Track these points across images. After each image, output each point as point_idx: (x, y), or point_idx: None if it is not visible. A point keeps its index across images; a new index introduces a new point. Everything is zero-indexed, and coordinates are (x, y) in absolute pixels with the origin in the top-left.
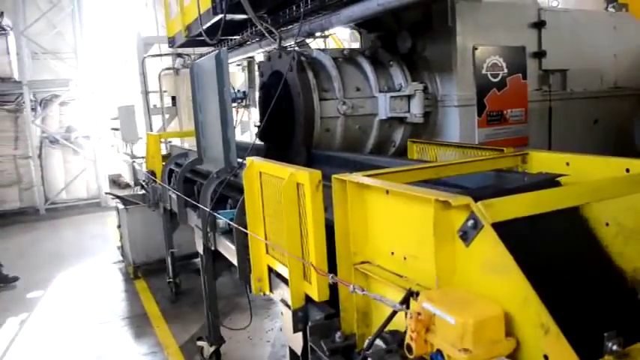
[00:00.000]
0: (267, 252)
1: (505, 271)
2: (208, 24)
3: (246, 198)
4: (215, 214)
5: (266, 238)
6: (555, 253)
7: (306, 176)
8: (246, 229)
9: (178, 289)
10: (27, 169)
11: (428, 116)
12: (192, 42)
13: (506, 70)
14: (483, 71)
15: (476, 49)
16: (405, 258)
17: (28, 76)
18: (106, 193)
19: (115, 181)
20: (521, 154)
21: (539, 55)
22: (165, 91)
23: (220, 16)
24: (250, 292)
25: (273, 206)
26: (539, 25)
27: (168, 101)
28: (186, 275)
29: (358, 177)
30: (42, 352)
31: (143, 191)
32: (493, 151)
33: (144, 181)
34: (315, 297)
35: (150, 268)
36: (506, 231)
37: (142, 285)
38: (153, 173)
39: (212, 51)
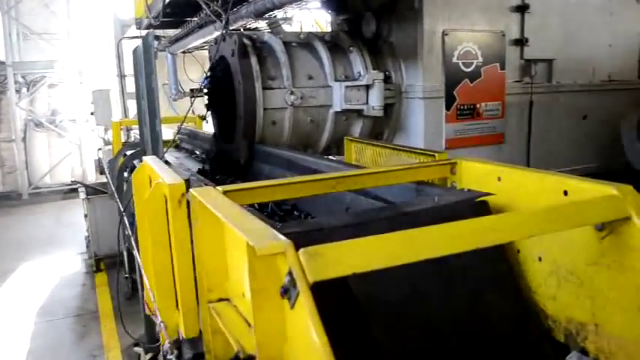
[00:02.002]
0: None
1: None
2: (161, 5)
3: (136, 210)
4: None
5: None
6: (453, 303)
7: (165, 187)
8: None
9: (135, 285)
10: (10, 153)
11: (391, 109)
12: (160, 23)
13: (481, 59)
14: (454, 60)
15: (446, 34)
16: None
17: (16, 57)
18: (72, 182)
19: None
20: (449, 163)
21: (521, 42)
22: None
23: None
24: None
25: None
26: (521, 8)
27: None
28: None
29: (211, 192)
30: None
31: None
32: (428, 157)
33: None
34: (183, 332)
35: (114, 261)
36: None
37: (101, 279)
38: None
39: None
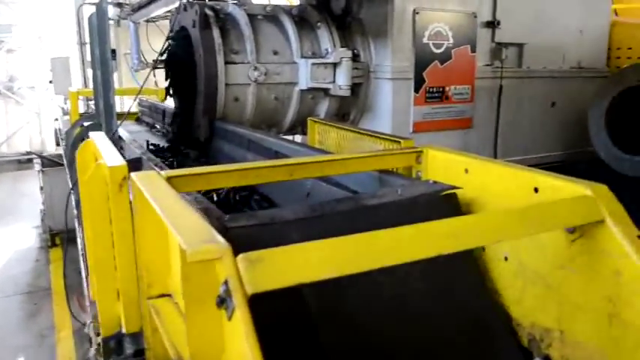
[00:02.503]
0: None
1: None
2: None
3: (80, 190)
4: None
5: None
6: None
7: (106, 169)
8: None
9: None
10: None
11: (359, 88)
12: None
13: (451, 41)
14: (424, 40)
15: (417, 13)
16: None
17: None
18: (27, 152)
19: None
20: (415, 151)
21: (493, 24)
22: None
23: None
24: None
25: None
26: None
27: None
28: None
29: (153, 178)
30: None
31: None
32: (394, 143)
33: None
34: (124, 326)
35: (71, 235)
36: None
37: (56, 254)
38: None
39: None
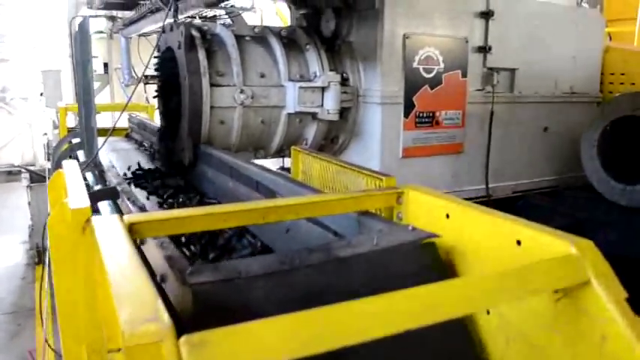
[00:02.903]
0: None
1: None
2: None
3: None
4: None
5: None
6: None
7: (67, 210)
8: None
9: None
10: None
11: (348, 112)
12: (110, 4)
13: (442, 65)
14: (415, 64)
15: (407, 37)
16: None
17: None
18: (16, 167)
19: None
20: (395, 192)
21: (484, 49)
22: (95, 57)
23: None
24: None
25: None
26: (486, 14)
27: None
28: None
29: (113, 224)
30: None
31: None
32: (375, 178)
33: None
34: None
35: None
36: None
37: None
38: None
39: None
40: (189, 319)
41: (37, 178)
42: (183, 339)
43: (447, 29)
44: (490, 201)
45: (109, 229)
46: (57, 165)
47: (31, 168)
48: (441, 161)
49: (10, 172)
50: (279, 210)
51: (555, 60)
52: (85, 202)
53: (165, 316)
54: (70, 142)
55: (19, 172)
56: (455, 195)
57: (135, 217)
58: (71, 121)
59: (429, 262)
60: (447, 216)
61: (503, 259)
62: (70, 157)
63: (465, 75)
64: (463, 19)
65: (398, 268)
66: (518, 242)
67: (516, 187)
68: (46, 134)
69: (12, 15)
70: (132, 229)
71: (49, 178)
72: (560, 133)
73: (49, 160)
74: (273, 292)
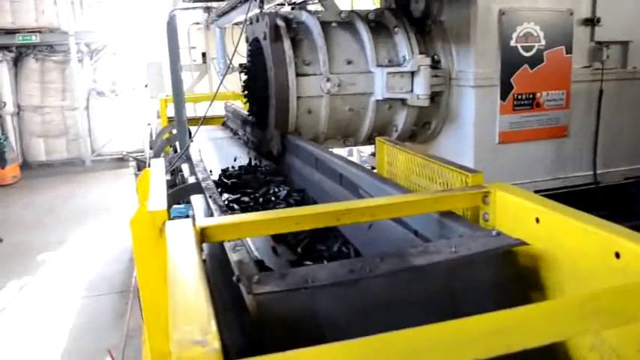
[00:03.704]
0: None
1: None
2: None
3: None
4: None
5: None
6: None
7: (145, 214)
8: None
9: None
10: (74, 121)
11: (439, 96)
12: None
13: (543, 42)
14: (512, 42)
15: (503, 13)
16: None
17: (77, 26)
18: (124, 155)
19: None
20: (481, 192)
21: (592, 22)
22: (193, 47)
23: None
24: None
25: None
26: None
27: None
28: None
29: (185, 228)
30: (26, 322)
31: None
32: (461, 174)
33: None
34: None
35: None
36: None
37: None
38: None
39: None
40: (254, 327)
41: (143, 166)
42: None
43: (548, 1)
44: (599, 188)
45: (181, 234)
46: (156, 154)
47: (138, 156)
48: (542, 146)
49: (121, 159)
50: (353, 213)
51: None
52: (163, 205)
53: (215, 340)
54: (171, 132)
55: (129, 160)
56: (559, 182)
57: (207, 222)
58: (172, 111)
59: (513, 272)
60: (537, 220)
61: (599, 273)
62: (170, 146)
63: (569, 51)
64: None
65: (478, 278)
66: (617, 255)
67: (629, 172)
68: (149, 124)
69: (120, 9)
70: (204, 234)
71: (149, 166)
72: None
73: (151, 148)
74: (341, 303)
